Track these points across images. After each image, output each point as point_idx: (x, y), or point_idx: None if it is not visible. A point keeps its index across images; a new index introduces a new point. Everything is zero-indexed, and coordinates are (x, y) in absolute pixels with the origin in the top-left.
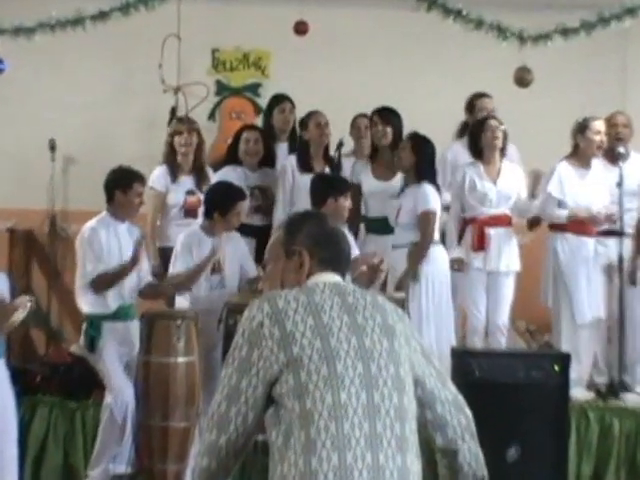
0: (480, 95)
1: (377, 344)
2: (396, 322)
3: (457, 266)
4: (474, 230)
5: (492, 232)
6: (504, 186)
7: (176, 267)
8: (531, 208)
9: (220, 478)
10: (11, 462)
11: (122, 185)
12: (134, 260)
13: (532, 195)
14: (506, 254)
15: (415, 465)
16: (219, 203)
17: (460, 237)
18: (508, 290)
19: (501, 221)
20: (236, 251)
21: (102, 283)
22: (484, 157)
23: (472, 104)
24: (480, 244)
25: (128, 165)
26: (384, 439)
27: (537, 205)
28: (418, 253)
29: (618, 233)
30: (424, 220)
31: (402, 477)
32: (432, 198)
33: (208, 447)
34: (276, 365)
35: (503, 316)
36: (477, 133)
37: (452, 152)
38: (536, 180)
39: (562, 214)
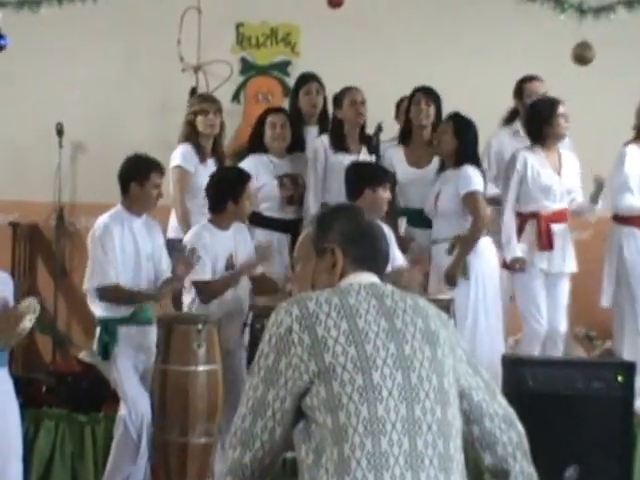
0: (530, 78)
1: (418, 352)
2: (439, 328)
3: (519, 266)
4: (539, 226)
5: (556, 229)
6: (567, 178)
7: (198, 273)
8: (593, 210)
9: None
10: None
11: (139, 176)
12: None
13: (595, 201)
14: (569, 253)
15: None
16: (229, 190)
17: (519, 233)
18: (566, 292)
19: (564, 217)
20: (246, 245)
21: (111, 296)
22: (546, 144)
23: (521, 88)
24: (546, 242)
25: (144, 153)
26: (426, 458)
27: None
28: (469, 239)
29: None
30: (471, 202)
31: None
32: (476, 179)
33: (232, 466)
34: (306, 375)
35: (564, 322)
36: (545, 117)
37: (498, 140)
38: (599, 187)
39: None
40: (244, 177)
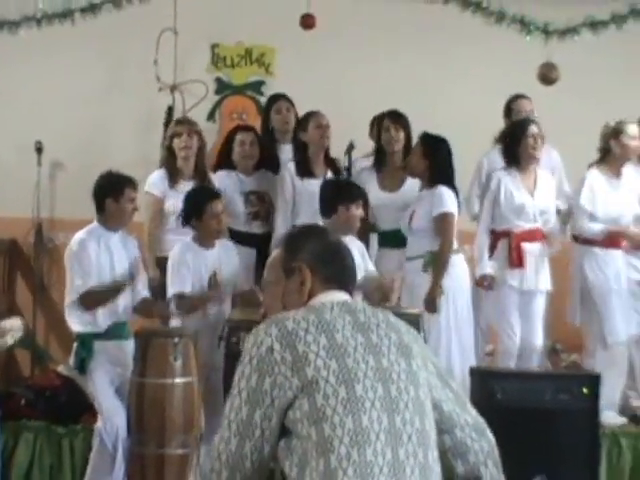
0: (516, 97)
1: (395, 364)
2: (412, 342)
3: (487, 283)
4: (510, 245)
5: (528, 247)
6: (541, 199)
7: (175, 286)
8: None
9: None
10: None
11: (113, 192)
12: (131, 277)
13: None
14: (542, 272)
15: None
16: (192, 209)
17: (492, 251)
18: (541, 309)
19: (537, 236)
20: (230, 262)
21: (92, 300)
22: (521, 165)
23: (509, 107)
24: (518, 261)
25: (117, 170)
26: (407, 467)
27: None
28: (440, 261)
29: None
30: (442, 223)
31: None
32: (448, 200)
33: None
34: (290, 391)
35: (539, 337)
36: (516, 137)
37: (489, 159)
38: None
39: (597, 229)
40: (206, 196)
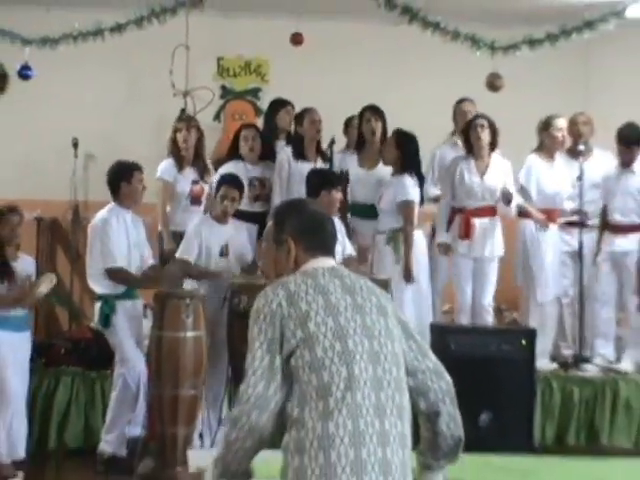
0: (461, 100)
1: (376, 323)
2: (386, 303)
3: (443, 250)
4: (461, 219)
5: (477, 222)
6: (490, 181)
7: (182, 252)
8: (509, 211)
9: (255, 455)
10: (22, 415)
11: (125, 176)
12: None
13: (506, 204)
14: (490, 241)
15: (407, 430)
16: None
17: (449, 224)
18: (492, 273)
19: (486, 212)
20: (240, 238)
21: (119, 278)
22: (475, 153)
23: (455, 109)
24: (466, 233)
25: (126, 159)
26: (387, 408)
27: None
28: (406, 240)
29: (579, 223)
30: (404, 208)
31: (402, 441)
32: (410, 189)
33: (250, 429)
34: (293, 340)
35: (488, 297)
36: (467, 131)
37: (441, 151)
38: (505, 196)
39: (534, 207)
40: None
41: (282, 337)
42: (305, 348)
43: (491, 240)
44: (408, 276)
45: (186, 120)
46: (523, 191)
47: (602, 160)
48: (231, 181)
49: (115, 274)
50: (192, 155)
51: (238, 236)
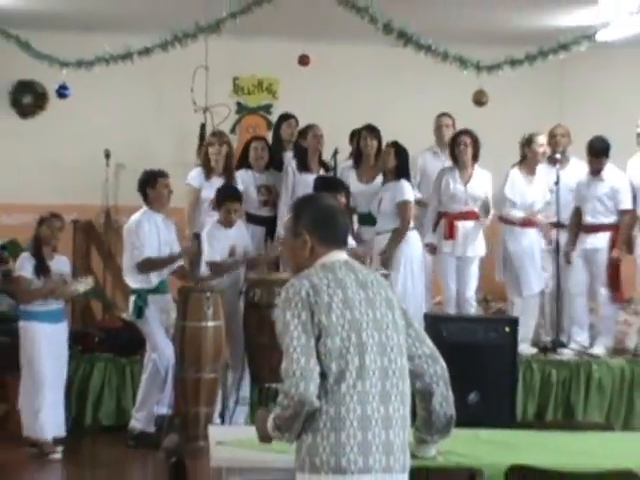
0: (441, 115)
1: (385, 316)
2: (391, 295)
3: (429, 249)
4: (446, 222)
5: (460, 225)
6: (473, 189)
7: (209, 255)
8: (486, 218)
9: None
10: (60, 397)
11: (150, 182)
12: (179, 255)
13: (485, 214)
14: (472, 242)
15: (407, 413)
16: (217, 202)
17: (435, 227)
18: (474, 270)
19: (469, 216)
20: (244, 239)
21: (149, 266)
22: (459, 164)
23: (435, 123)
24: (450, 234)
25: (152, 168)
26: (392, 395)
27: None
28: (398, 236)
29: (556, 224)
30: (402, 208)
31: (403, 423)
32: (408, 191)
33: (300, 400)
34: (320, 326)
35: (470, 291)
36: (452, 145)
37: (422, 158)
38: (484, 206)
39: (517, 216)
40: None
41: (312, 321)
42: (327, 336)
43: (473, 241)
44: (386, 262)
45: (218, 136)
46: (509, 202)
47: (578, 168)
48: (230, 195)
49: (143, 265)
50: (222, 167)
51: (242, 236)
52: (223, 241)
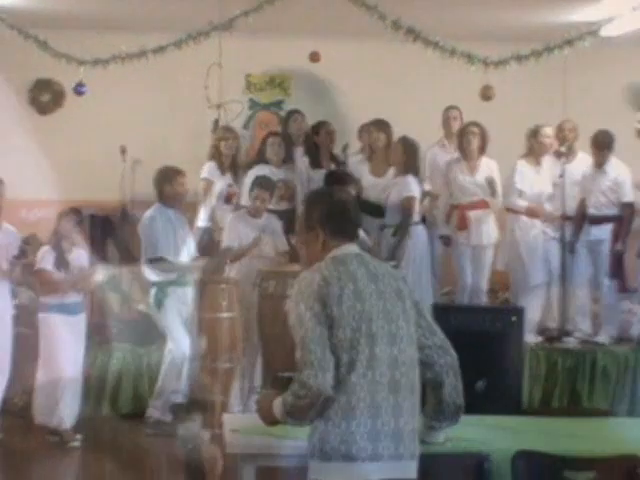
0: (448, 107)
1: (395, 308)
2: (402, 286)
3: (444, 241)
4: (458, 214)
5: (472, 214)
6: (480, 179)
7: (226, 241)
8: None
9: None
10: (78, 386)
11: (169, 179)
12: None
13: (493, 195)
14: (485, 229)
15: (416, 401)
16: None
17: (448, 218)
18: (488, 258)
19: (479, 205)
20: (274, 230)
21: (160, 266)
22: (467, 155)
23: (443, 116)
24: (462, 225)
25: (170, 165)
26: (401, 384)
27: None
28: (404, 228)
29: (561, 216)
30: (407, 203)
31: (412, 411)
32: (413, 187)
33: (317, 390)
34: (332, 317)
35: (484, 280)
36: (461, 136)
37: (431, 152)
38: (490, 183)
39: (521, 204)
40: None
41: (324, 312)
42: (339, 328)
43: (486, 228)
44: (392, 257)
45: (229, 131)
46: (517, 192)
47: (584, 162)
48: (263, 184)
49: (154, 264)
50: (231, 161)
51: (271, 226)
52: (249, 230)
